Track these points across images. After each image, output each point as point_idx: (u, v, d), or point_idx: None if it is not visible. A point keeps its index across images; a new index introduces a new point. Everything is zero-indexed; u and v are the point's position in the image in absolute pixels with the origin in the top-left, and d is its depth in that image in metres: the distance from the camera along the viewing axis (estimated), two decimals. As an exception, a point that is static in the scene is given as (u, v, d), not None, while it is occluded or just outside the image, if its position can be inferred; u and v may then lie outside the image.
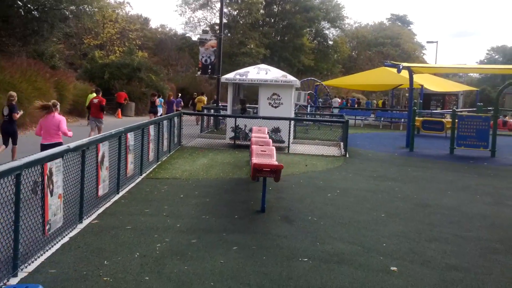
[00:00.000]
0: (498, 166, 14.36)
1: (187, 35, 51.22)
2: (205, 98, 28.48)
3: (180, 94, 31.71)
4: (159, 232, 6.39)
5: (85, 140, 6.80)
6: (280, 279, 5.04)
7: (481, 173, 12.90)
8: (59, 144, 7.81)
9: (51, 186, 5.71)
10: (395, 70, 27.18)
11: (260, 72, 16.39)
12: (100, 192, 7.49)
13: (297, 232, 6.75)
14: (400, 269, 5.49)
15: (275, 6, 51.78)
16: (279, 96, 16.05)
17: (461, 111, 23.02)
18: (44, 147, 7.92)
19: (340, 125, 20.16)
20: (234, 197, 8.70)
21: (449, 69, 23.54)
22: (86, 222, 6.75)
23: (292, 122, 16.52)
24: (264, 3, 50.40)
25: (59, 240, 5.91)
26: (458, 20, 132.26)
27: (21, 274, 4.89)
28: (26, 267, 5.04)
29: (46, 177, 5.55)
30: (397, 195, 9.55)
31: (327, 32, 54.28)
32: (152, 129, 11.25)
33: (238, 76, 16.36)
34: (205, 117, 21.07)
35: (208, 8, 49.24)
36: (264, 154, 8.86)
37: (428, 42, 48.58)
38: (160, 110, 22.03)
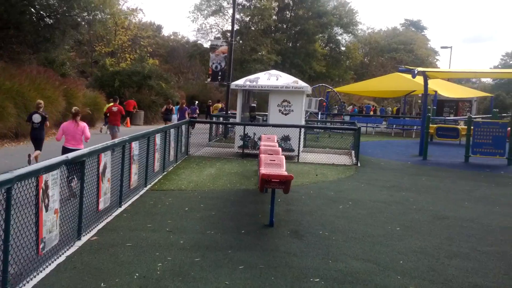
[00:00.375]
0: (516, 174, 13.85)
1: (198, 42, 51.15)
2: (221, 105, 28.35)
3: (196, 102, 31.63)
4: (161, 250, 6.04)
5: (85, 150, 6.49)
6: (288, 302, 4.67)
7: (498, 182, 12.42)
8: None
9: (46, 200, 5.40)
10: (409, 76, 26.68)
11: (270, 78, 16.06)
12: (101, 206, 7.18)
13: (307, 248, 6.37)
14: (418, 290, 5.10)
15: (287, 12, 51.52)
16: (289, 103, 15.70)
17: (475, 118, 22.45)
18: (67, 150, 8.08)
19: (351, 133, 19.75)
20: (241, 210, 8.35)
21: (465, 73, 22.99)
22: (84, 239, 6.43)
23: (303, 130, 16.16)
24: (276, 8, 50.20)
25: (55, 260, 5.59)
26: (472, 26, 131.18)
27: (11, 297, 4.57)
28: (16, 289, 4.72)
29: (41, 191, 5.25)
30: (412, 207, 9.13)
31: (339, 38, 53.89)
32: (158, 138, 10.94)
33: (248, 83, 16.04)
34: (213, 125, 20.72)
35: (221, 14, 49.15)
36: (273, 164, 8.50)
37: (442, 47, 47.68)
38: (175, 117, 22.22)
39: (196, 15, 49.37)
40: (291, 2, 50.79)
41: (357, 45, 57.92)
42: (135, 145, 8.98)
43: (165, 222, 7.37)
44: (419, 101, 48.18)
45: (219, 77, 22.79)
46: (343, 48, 54.48)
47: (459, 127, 20.17)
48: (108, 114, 17.16)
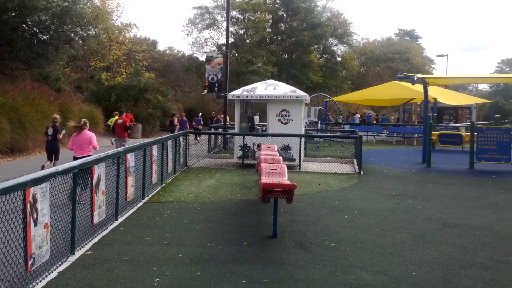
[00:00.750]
0: (523, 180, 13.52)
1: (194, 55, 51.04)
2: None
3: (200, 114, 31.38)
4: (158, 264, 5.68)
5: (76, 163, 6.15)
6: (297, 319, 4.31)
7: (507, 188, 12.08)
8: (89, 156, 8.05)
9: (35, 214, 5.05)
10: (407, 84, 26.46)
11: (268, 88, 15.78)
12: (96, 219, 6.82)
13: (314, 260, 6.01)
14: (436, 303, 4.74)
15: (282, 24, 51.50)
16: (288, 112, 15.42)
17: (478, 124, 22.16)
18: (76, 159, 8.41)
19: (352, 142, 19.44)
20: (242, 221, 7.98)
21: (465, 79, 22.76)
22: (78, 253, 6.07)
23: (303, 139, 15.85)
24: (270, 21, 50.18)
25: (46, 276, 5.23)
26: (466, 34, 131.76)
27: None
28: (2, 310, 4.36)
29: (28, 205, 4.90)
30: (420, 215, 8.78)
31: (335, 48, 53.76)
32: (155, 149, 10.61)
33: (245, 93, 15.76)
34: (212, 136, 20.39)
35: (215, 27, 49.08)
36: (275, 173, 8.16)
37: (438, 55, 47.78)
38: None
39: (190, 29, 49.37)
40: (284, 15, 50.82)
41: (352, 55, 57.91)
42: (130, 157, 8.64)
43: (163, 235, 7.00)
44: (418, 109, 48.06)
45: (216, 89, 22.54)
46: (339, 59, 54.36)
47: (462, 133, 19.89)
48: (114, 127, 17.49)
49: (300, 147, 15.07)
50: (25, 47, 24.87)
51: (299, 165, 14.92)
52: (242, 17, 47.97)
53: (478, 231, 7.66)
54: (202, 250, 6.28)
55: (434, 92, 27.10)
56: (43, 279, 5.16)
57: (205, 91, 23.92)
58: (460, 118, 34.29)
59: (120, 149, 8.22)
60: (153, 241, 6.68)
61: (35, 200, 5.04)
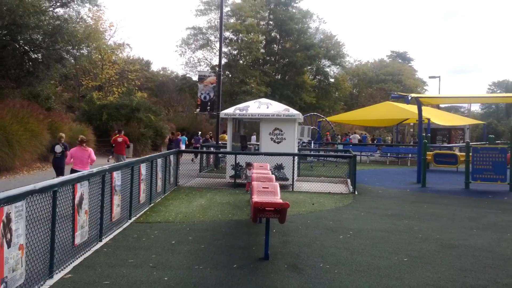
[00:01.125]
0: (520, 200, 13.27)
1: (187, 75, 50.93)
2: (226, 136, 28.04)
3: (200, 132, 31.04)
4: (141, 289, 5.33)
5: (56, 180, 5.82)
6: None
7: (504, 208, 11.81)
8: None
9: (8, 235, 4.70)
10: (401, 104, 26.46)
11: (261, 106, 15.56)
12: (77, 240, 6.45)
13: (307, 284, 5.67)
14: (439, 330, 4.41)
15: (275, 45, 51.65)
16: (281, 131, 15.18)
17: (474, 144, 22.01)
18: (75, 172, 9.20)
19: (346, 161, 19.19)
20: (233, 242, 7.63)
21: (460, 98, 22.63)
22: (57, 277, 5.70)
23: (296, 158, 15.57)
24: (264, 42, 50.31)
25: (19, 302, 4.85)
26: (457, 57, 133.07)
27: None
28: None
29: (1, 225, 4.55)
30: (418, 235, 8.47)
31: (328, 69, 53.87)
32: (143, 168, 10.28)
33: (238, 111, 15.51)
34: (204, 155, 20.07)
35: (208, 48, 49.08)
36: (267, 192, 7.86)
37: (430, 77, 48.03)
38: (182, 147, 23.66)
39: (183, 49, 49.31)
40: (277, 36, 51.01)
41: (345, 76, 58.09)
42: (116, 175, 8.31)
43: (149, 257, 6.64)
44: (411, 129, 48.06)
45: (208, 107, 22.30)
46: (331, 80, 54.46)
47: (457, 153, 19.70)
48: (114, 145, 18.15)
49: (293, 166, 14.78)
50: (15, 65, 24.61)
51: (292, 184, 14.62)
52: (235, 38, 48.07)
53: (478, 252, 7.36)
54: (189, 274, 5.93)
55: (427, 113, 26.99)
56: (17, 304, 4.79)
57: (198, 109, 23.65)
58: (453, 139, 34.21)
59: (106, 167, 7.89)
60: (138, 263, 6.31)
61: (9, 219, 4.70)
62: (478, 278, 6.01)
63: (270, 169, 12.48)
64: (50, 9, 27.83)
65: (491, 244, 7.90)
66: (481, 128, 45.49)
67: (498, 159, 15.18)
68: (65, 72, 31.47)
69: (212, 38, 48.28)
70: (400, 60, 70.36)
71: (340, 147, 29.20)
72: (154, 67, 63.94)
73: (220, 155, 19.82)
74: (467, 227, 9.30)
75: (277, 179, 12.41)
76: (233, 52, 48.69)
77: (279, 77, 51.13)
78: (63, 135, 13.05)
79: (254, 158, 14.38)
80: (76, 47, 28.04)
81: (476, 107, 74.55)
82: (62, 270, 5.91)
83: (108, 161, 21.89)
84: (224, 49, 45.06)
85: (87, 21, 32.44)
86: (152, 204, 10.98)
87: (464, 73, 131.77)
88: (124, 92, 36.41)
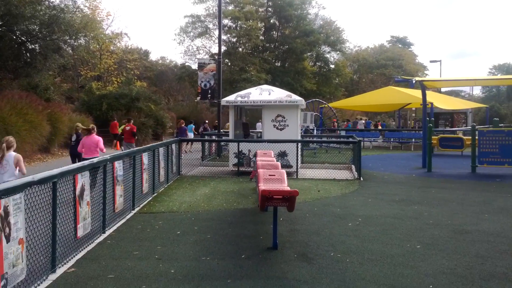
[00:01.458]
0: (528, 183, 13.05)
1: (186, 64, 50.52)
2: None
3: (207, 121, 30.75)
4: (148, 282, 5.12)
5: (55, 171, 5.59)
6: None
7: (513, 192, 11.60)
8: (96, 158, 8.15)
9: (7, 229, 4.49)
10: (403, 89, 26.11)
11: (262, 93, 15.29)
12: (80, 233, 6.25)
13: (319, 274, 5.47)
14: (461, 321, 4.21)
15: (274, 32, 51.16)
16: (284, 118, 14.93)
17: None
18: (84, 160, 9.28)
19: (349, 147, 18.97)
20: (240, 232, 7.42)
21: (465, 81, 22.21)
22: (60, 271, 5.50)
23: (300, 145, 15.35)
24: (263, 29, 49.83)
25: (21, 298, 4.66)
26: (457, 41, 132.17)
27: None
28: None
29: (-1, 219, 4.34)
30: (428, 221, 8.26)
31: (328, 56, 53.44)
32: (145, 157, 10.06)
33: (239, 98, 15.25)
34: (206, 144, 19.83)
35: (207, 36, 48.62)
36: (273, 179, 7.64)
37: (431, 61, 47.66)
38: (191, 135, 24.37)
39: (182, 38, 48.83)
40: (277, 22, 50.50)
41: (345, 62, 57.64)
42: (118, 165, 8.09)
43: (154, 248, 6.44)
44: (414, 114, 47.77)
45: (209, 95, 22.03)
46: (332, 66, 54.03)
47: (463, 137, 19.46)
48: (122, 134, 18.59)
49: (297, 153, 14.56)
50: (12, 56, 24.28)
51: (297, 171, 14.40)
52: (234, 25, 47.62)
53: (492, 237, 7.15)
54: (196, 265, 5.72)
55: (430, 97, 26.66)
56: (18, 301, 4.59)
57: (198, 98, 23.39)
58: (456, 123, 33.99)
59: (107, 156, 7.67)
60: (143, 255, 6.11)
61: (7, 213, 4.48)
62: (496, 265, 5.80)
63: (274, 156, 12.26)
64: (45, -1, 27.47)
65: (504, 229, 7.69)
66: (483, 112, 45.25)
67: (505, 142, 14.93)
68: (63, 63, 31.15)
69: (211, 25, 47.88)
70: (400, 45, 69.83)
71: (343, 133, 28.96)
72: (153, 57, 63.66)
73: (222, 143, 19.61)
74: (477, 212, 9.09)
75: (281, 166, 12.19)
76: (232, 40, 48.27)
77: (279, 64, 50.72)
78: (80, 124, 13.17)
79: (257, 146, 14.17)
80: (74, 37, 27.74)
81: (477, 91, 74.16)
82: (65, 264, 5.71)
83: (121, 149, 21.84)
84: (223, 37, 44.65)
85: (84, 10, 32.05)
86: (155, 194, 10.77)
87: (465, 57, 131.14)
88: (123, 82, 36.12)
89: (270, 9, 50.08)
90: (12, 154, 7.12)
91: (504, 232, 7.52)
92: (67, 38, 27.73)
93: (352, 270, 5.61)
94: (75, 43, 30.39)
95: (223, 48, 46.01)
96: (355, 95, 44.35)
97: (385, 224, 8.00)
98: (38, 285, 5.05)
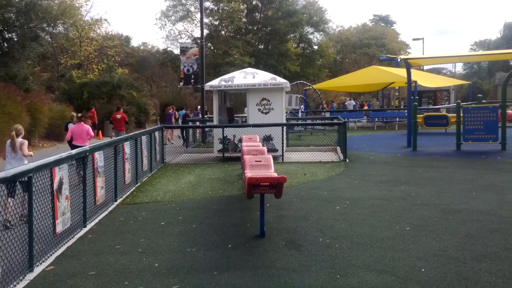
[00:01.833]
0: (514, 159, 13.04)
1: (168, 49, 49.81)
2: None
3: (199, 107, 30.32)
4: (131, 277, 4.92)
5: (30, 166, 5.34)
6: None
7: (500, 168, 11.56)
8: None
9: (-22, 229, 4.25)
10: (387, 68, 26.00)
11: (247, 76, 15.03)
12: (59, 228, 6.02)
13: (308, 261, 5.32)
14: (455, 306, 4.09)
15: (257, 13, 50.60)
16: (269, 101, 14.70)
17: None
18: (75, 147, 9.95)
19: (334, 129, 18.87)
20: (226, 220, 7.25)
21: (450, 58, 22.12)
22: (38, 269, 5.27)
23: (285, 128, 15.17)
24: (245, 11, 49.24)
25: (-4, 301, 4.44)
26: (439, 19, 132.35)
27: None
28: None
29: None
30: (417, 201, 8.16)
31: (311, 36, 53.15)
32: (127, 147, 9.80)
33: (223, 83, 14.97)
34: (190, 130, 19.56)
35: (189, 19, 47.91)
36: (260, 165, 7.44)
37: (414, 39, 47.44)
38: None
39: (163, 22, 48.12)
40: (259, 4, 49.92)
41: (328, 43, 57.38)
42: (98, 156, 7.83)
43: (137, 241, 6.24)
44: (397, 93, 47.77)
45: (192, 80, 21.65)
46: (315, 47, 53.74)
47: (448, 114, 19.43)
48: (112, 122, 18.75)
49: (282, 137, 14.38)
50: (-13, 46, 23.64)
51: (282, 155, 14.24)
52: (216, 8, 46.98)
53: (482, 216, 7.06)
54: (181, 257, 5.54)
55: (414, 75, 26.42)
56: (-6, 304, 4.38)
57: (181, 83, 22.95)
58: (439, 101, 34.02)
59: (86, 147, 7.42)
60: (126, 249, 5.91)
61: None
62: (487, 245, 5.71)
63: (260, 141, 12.07)
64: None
65: (493, 207, 7.61)
66: (465, 89, 45.40)
67: (489, 118, 14.90)
68: (42, 51, 30.42)
69: (192, 8, 47.13)
70: (382, 24, 69.71)
71: (327, 114, 28.83)
72: (134, 43, 62.51)
73: (207, 129, 19.35)
74: (465, 190, 9.02)
75: (267, 150, 12.01)
76: (215, 23, 47.64)
77: (262, 46, 50.29)
78: (75, 114, 13.71)
79: (242, 131, 13.95)
80: (52, 24, 27.06)
81: (459, 68, 74.45)
82: (43, 262, 5.48)
83: (111, 137, 21.45)
84: (205, 20, 43.98)
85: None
86: (138, 184, 10.54)
87: (446, 34, 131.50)
88: (104, 69, 35.52)
89: (252, -11, 49.49)
90: (19, 140, 7.84)
91: (493, 209, 7.45)
92: (45, 25, 27.08)
93: (341, 256, 5.47)
94: (53, 31, 29.68)
95: (206, 31, 45.40)
96: (339, 76, 44.21)
97: (373, 206, 7.89)
98: (15, 285, 4.84)
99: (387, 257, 5.37)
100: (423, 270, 4.93)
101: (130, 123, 30.02)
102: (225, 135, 14.50)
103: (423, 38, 44.65)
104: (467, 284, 4.52)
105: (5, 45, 26.15)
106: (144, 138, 11.60)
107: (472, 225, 6.57)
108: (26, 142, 7.90)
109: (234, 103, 31.26)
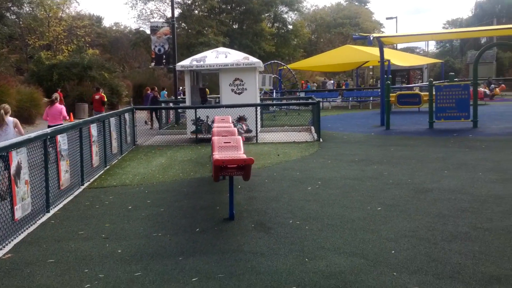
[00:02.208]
0: (485, 137, 13.11)
1: (141, 29, 48.78)
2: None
3: (181, 87, 29.62)
4: (91, 265, 4.72)
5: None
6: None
7: (471, 146, 11.61)
8: (61, 125, 8.67)
9: None
10: (361, 47, 25.90)
11: (219, 56, 14.74)
12: (18, 215, 5.75)
13: (277, 244, 5.19)
14: (424, 288, 4.01)
15: (230, -8, 49.84)
16: (242, 81, 14.47)
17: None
18: (50, 127, 9.60)
19: (308, 109, 18.75)
20: (195, 203, 7.07)
21: (423, 36, 22.13)
22: (-5, 258, 5.03)
23: (259, 108, 14.99)
24: (219, -11, 48.45)
25: None
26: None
27: None
28: None
29: None
30: (389, 181, 8.10)
31: (285, 16, 52.68)
32: (94, 129, 9.49)
33: (195, 62, 14.66)
34: (163, 112, 19.21)
35: (160, -2, 46.90)
36: (229, 147, 7.25)
37: (387, 18, 47.90)
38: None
39: (134, 1, 47.05)
40: (232, -18, 49.17)
41: (303, 22, 57.06)
42: (61, 139, 7.54)
43: (101, 226, 6.02)
44: (371, 72, 47.89)
45: (164, 61, 21.26)
46: (290, 27, 53.35)
47: (421, 93, 19.48)
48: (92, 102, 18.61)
49: (256, 118, 14.19)
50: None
51: (256, 136, 14.08)
52: (189, -14, 46.11)
53: (453, 194, 7.03)
54: (146, 243, 5.35)
55: (387, 54, 26.45)
56: None
57: (152, 63, 22.54)
58: (412, 79, 34.22)
59: (48, 130, 7.11)
60: (89, 235, 5.69)
61: None
62: (458, 224, 5.65)
63: (233, 122, 11.86)
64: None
65: (464, 185, 7.60)
66: (438, 67, 45.80)
67: (461, 96, 14.97)
68: (8, 32, 29.47)
69: (163, -14, 46.13)
70: (356, 3, 69.61)
71: (302, 94, 28.72)
72: (106, 23, 61.25)
73: (180, 110, 19.03)
74: (437, 169, 9.00)
75: (240, 132, 11.82)
76: (187, 2, 46.77)
77: (236, 26, 49.64)
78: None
79: (215, 111, 13.72)
80: (17, 4, 26.08)
81: (431, 47, 75.04)
82: (0, 249, 5.23)
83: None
84: (177, -1, 43.24)
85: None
86: (107, 167, 10.27)
87: (420, 13, 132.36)
88: (74, 50, 34.61)
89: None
90: (10, 119, 8.16)
91: (464, 188, 7.43)
92: (10, 5, 26.08)
93: (311, 238, 5.35)
94: (19, 11, 28.68)
95: (178, 11, 44.64)
96: (314, 55, 44.09)
97: (345, 186, 7.80)
98: (-30, 275, 4.59)
99: (357, 239, 5.27)
100: (393, 252, 4.84)
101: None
102: (198, 116, 14.26)
103: (396, 17, 45.08)
104: (437, 266, 4.44)
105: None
106: (113, 120, 11.29)
107: (443, 204, 6.52)
108: (18, 121, 8.33)
109: (209, 83, 30.86)
